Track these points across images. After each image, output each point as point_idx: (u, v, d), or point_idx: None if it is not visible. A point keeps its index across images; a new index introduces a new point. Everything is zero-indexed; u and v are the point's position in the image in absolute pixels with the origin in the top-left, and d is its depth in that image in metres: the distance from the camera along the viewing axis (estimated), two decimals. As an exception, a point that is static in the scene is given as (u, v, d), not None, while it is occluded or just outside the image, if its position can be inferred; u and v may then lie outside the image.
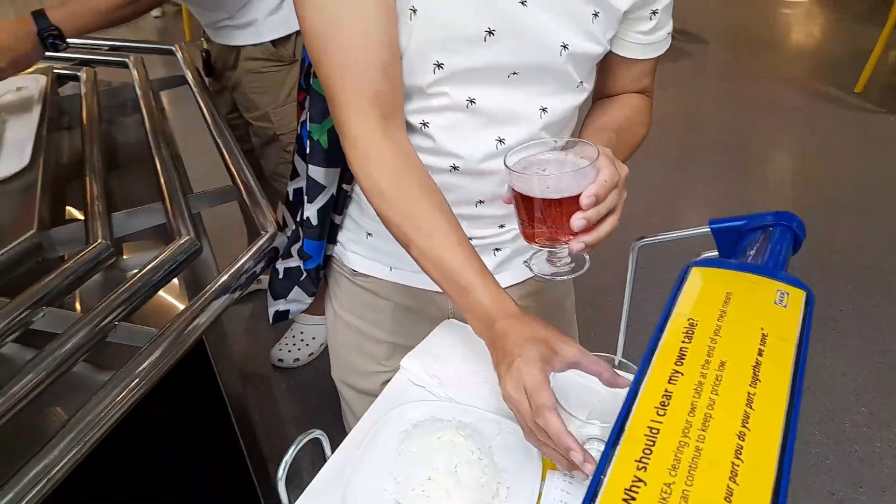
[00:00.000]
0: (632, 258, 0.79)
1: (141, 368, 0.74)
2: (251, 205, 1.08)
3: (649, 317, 0.97)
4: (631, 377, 0.61)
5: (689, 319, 0.50)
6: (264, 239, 0.98)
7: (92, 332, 0.76)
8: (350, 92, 0.71)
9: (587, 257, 0.72)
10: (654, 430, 0.40)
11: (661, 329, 0.51)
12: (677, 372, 0.44)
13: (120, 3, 1.28)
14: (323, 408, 1.84)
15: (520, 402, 0.61)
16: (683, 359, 0.45)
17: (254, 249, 0.93)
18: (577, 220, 0.65)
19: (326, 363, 1.10)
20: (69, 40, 1.27)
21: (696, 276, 0.57)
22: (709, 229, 0.72)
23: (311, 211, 0.90)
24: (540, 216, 0.68)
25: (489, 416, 0.73)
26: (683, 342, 0.48)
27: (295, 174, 0.96)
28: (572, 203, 0.66)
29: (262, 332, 2.12)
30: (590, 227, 0.66)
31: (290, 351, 2.04)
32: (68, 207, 1.19)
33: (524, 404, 0.60)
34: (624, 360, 0.69)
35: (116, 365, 0.78)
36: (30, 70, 1.45)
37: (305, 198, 0.89)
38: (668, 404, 0.42)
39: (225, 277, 0.90)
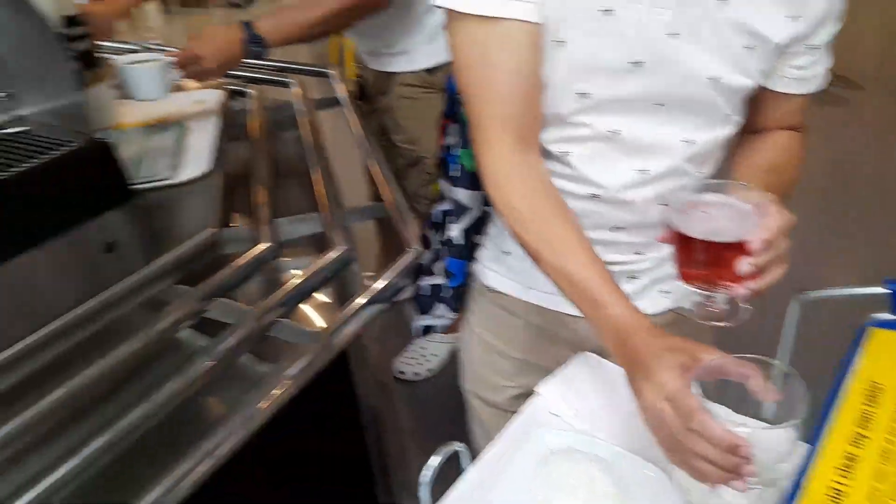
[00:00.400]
0: (792, 311, 0.75)
1: (299, 366, 0.79)
2: (398, 222, 1.14)
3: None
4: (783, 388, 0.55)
5: (871, 382, 0.47)
6: (411, 255, 1.02)
7: (257, 326, 0.83)
8: (492, 118, 0.74)
9: (748, 307, 0.69)
10: (838, 492, 0.38)
11: (837, 388, 0.49)
12: (862, 435, 0.42)
13: (319, 20, 1.39)
14: (443, 423, 1.86)
15: (662, 411, 0.58)
16: (868, 422, 0.43)
17: (403, 264, 0.98)
18: (745, 266, 0.63)
19: (446, 380, 1.13)
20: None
21: (875, 337, 0.54)
22: (885, 291, 0.67)
23: (455, 231, 0.93)
24: (700, 258, 0.67)
25: (626, 454, 0.72)
26: (865, 405, 0.45)
27: (441, 196, 1.00)
28: (736, 248, 0.64)
29: (387, 343, 2.18)
30: (755, 274, 0.65)
31: (410, 365, 2.10)
32: (234, 211, 1.30)
33: (666, 413, 0.57)
34: (791, 370, 0.54)
35: (268, 358, 0.85)
36: (201, 85, 1.60)
37: (451, 218, 0.93)
38: (853, 467, 0.40)
39: (372, 293, 0.94)
